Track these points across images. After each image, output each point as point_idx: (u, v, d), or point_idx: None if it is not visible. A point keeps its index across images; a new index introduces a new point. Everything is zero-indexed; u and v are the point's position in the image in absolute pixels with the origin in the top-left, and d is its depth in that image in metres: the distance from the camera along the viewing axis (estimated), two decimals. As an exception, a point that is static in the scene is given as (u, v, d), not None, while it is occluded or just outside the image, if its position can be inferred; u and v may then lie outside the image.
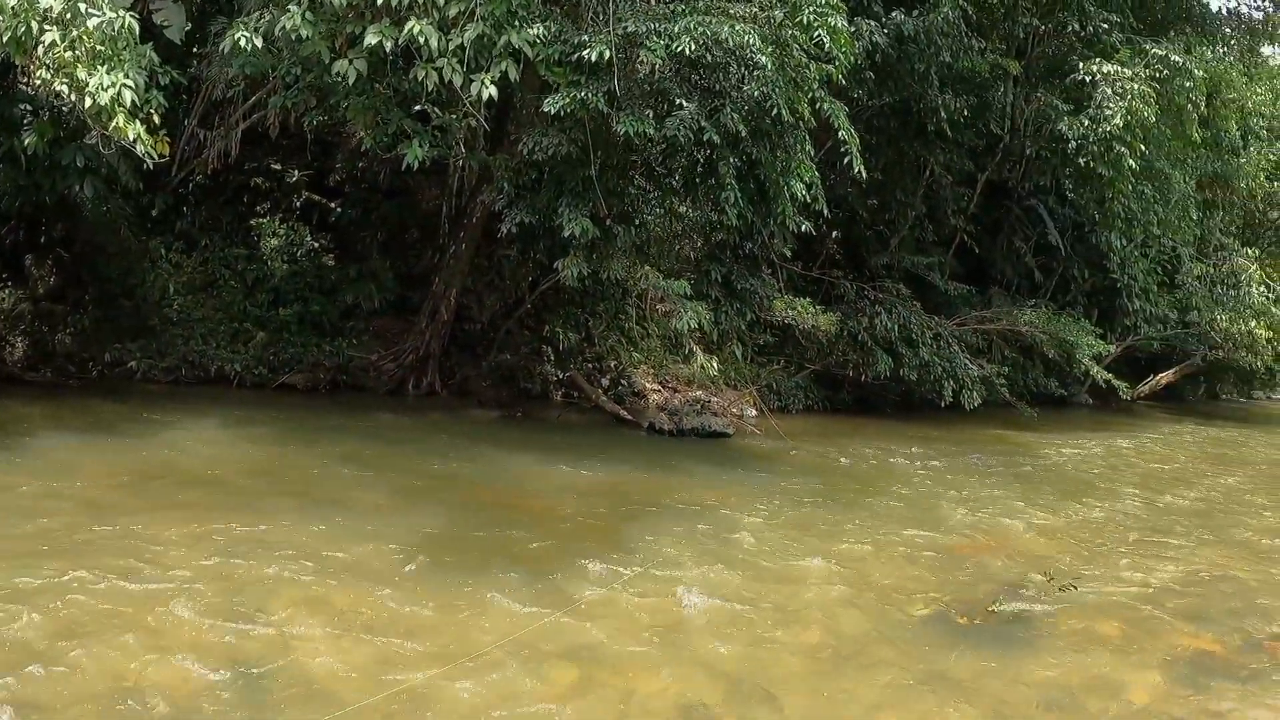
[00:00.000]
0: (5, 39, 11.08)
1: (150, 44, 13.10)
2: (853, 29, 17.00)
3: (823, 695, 7.55)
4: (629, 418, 18.73)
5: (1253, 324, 36.88)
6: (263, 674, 6.77)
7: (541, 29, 13.01)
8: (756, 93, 14.45)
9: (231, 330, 17.73)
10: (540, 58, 13.21)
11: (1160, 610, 10.70)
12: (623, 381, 19.86)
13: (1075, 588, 11.01)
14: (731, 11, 14.06)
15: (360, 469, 12.96)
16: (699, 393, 20.25)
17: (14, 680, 6.35)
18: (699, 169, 16.42)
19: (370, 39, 12.40)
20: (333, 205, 20.07)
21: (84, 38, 11.30)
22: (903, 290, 25.65)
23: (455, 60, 12.60)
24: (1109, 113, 23.09)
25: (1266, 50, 45.75)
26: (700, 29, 13.34)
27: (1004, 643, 9.14)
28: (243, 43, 12.87)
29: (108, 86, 11.29)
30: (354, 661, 7.12)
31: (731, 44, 13.50)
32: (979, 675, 8.25)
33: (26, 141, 13.67)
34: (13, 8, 10.97)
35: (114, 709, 6.19)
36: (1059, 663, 8.78)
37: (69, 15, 11.21)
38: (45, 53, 11.24)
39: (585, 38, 13.26)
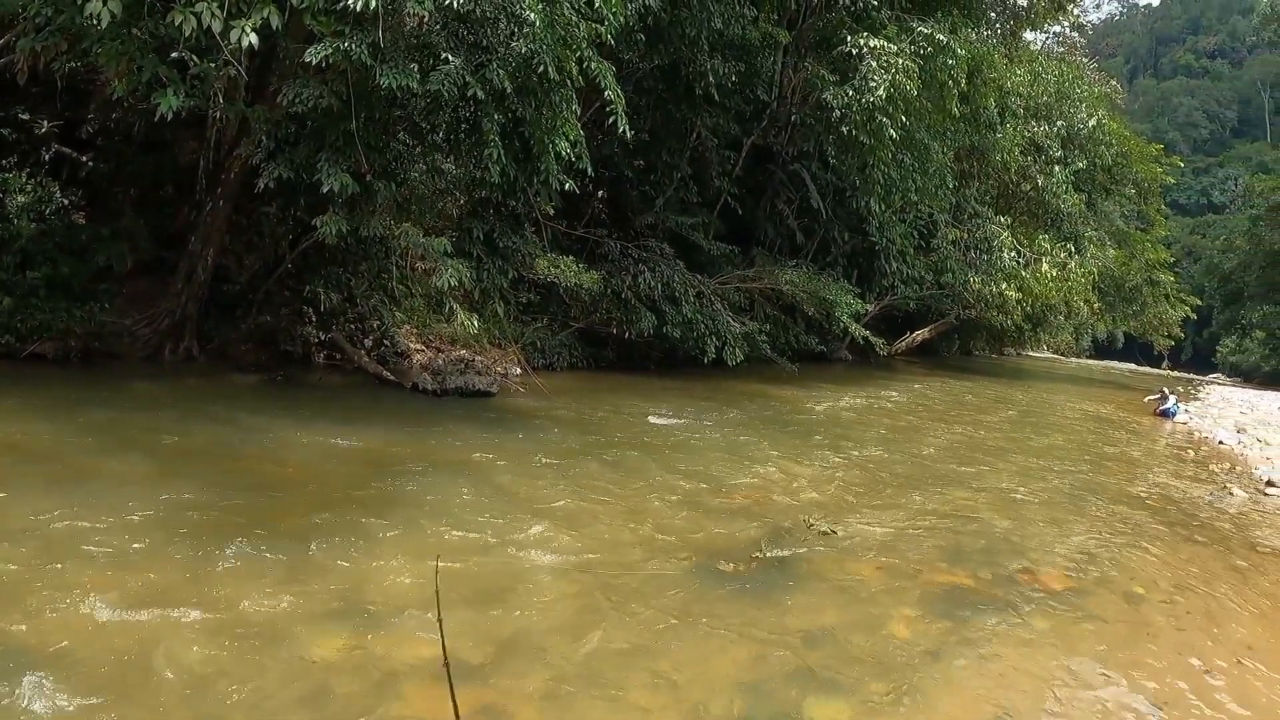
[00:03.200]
0: None
1: None
2: (626, -10, 17.09)
3: (588, 646, 7.64)
4: (392, 379, 18.46)
5: (1004, 286, 38.81)
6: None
7: (307, -24, 12.66)
8: (524, 49, 14.33)
9: None
10: (305, 5, 12.79)
11: (916, 551, 11.29)
12: (386, 342, 19.48)
13: (835, 533, 11.47)
14: (503, -35, 13.95)
15: (110, 440, 12.20)
16: (463, 352, 20.12)
17: None
18: (463, 125, 16.25)
19: (126, -21, 11.84)
20: (84, 159, 19.00)
21: None
22: (667, 249, 26.04)
23: (215, 5, 12.13)
24: (873, 84, 23.93)
25: (1028, 35, 48.11)
26: (470, -19, 13.17)
27: (768, 587, 9.41)
28: (-10, -20, 12.14)
29: None
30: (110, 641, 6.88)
31: (501, -1, 13.37)
32: (744, 619, 8.48)
33: None
34: None
35: None
36: (822, 603, 9.13)
37: None
38: None
39: (352, -15, 12.92)
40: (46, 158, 18.55)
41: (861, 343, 30.99)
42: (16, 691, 6.06)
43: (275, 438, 13.35)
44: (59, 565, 7.95)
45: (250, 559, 8.59)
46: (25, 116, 18.36)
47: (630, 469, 13.85)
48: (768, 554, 10.47)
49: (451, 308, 17.21)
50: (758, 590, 9.28)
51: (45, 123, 18.50)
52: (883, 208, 33.68)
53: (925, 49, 24.95)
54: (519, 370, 20.84)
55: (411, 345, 19.89)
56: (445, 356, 19.80)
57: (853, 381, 29.91)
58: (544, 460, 13.78)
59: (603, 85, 15.73)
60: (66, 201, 18.04)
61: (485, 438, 14.90)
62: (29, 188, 17.66)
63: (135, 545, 8.64)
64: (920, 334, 44.21)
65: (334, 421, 14.45)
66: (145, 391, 15.31)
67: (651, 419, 18.05)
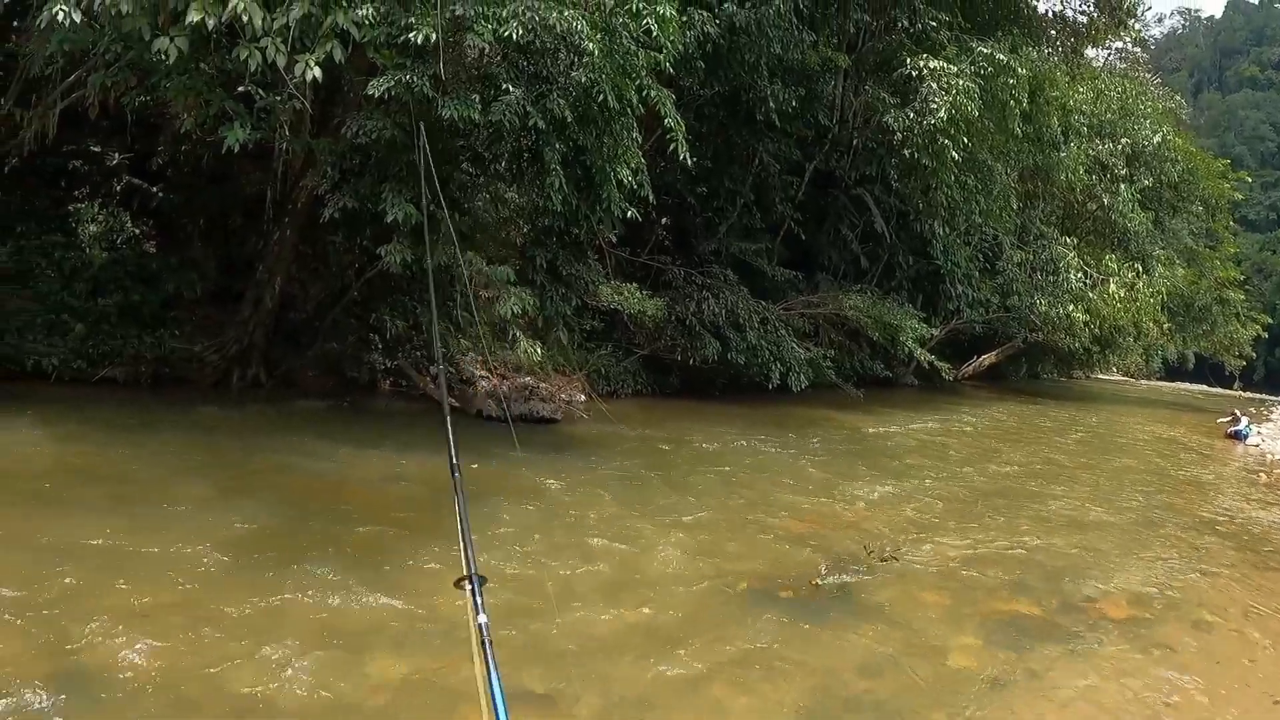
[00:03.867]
0: None
1: None
2: (684, 18, 17.17)
3: (647, 671, 7.65)
4: (456, 405, 18.51)
5: (1070, 308, 38.29)
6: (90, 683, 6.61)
7: (370, 10, 12.75)
8: (584, 79, 14.45)
9: (48, 322, 16.62)
10: (367, 39, 12.99)
11: (979, 578, 11.14)
12: (450, 369, 19.68)
13: (896, 559, 11.38)
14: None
15: (180, 464, 12.48)
16: (527, 379, 20.19)
17: None
18: (525, 155, 16.38)
19: (193, 15, 11.97)
20: (154, 190, 19.38)
21: None
22: (730, 276, 26.04)
23: (280, 40, 12.29)
24: (934, 106, 23.80)
25: (1090, 53, 47.61)
26: (528, 14, 13.25)
27: (827, 613, 9.37)
28: (61, 17, 12.33)
29: None
30: (174, 661, 6.96)
31: (560, 30, 13.46)
32: (802, 646, 8.44)
33: None
34: None
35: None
36: (880, 631, 9.06)
37: None
38: None
39: (413, 20, 13.05)
40: (118, 189, 18.99)
41: (927, 367, 30.74)
42: (76, 708, 6.18)
43: (340, 462, 13.54)
44: (122, 583, 8.11)
45: (312, 581, 8.70)
46: (97, 149, 18.81)
47: (692, 494, 13.86)
48: (828, 580, 10.43)
49: (515, 335, 17.28)
50: (816, 617, 9.25)
51: (116, 155, 18.93)
52: (947, 231, 33.52)
53: (985, 69, 24.81)
54: (583, 397, 20.89)
55: (476, 372, 20.02)
56: (510, 383, 19.89)
57: (918, 406, 29.69)
58: (605, 485, 13.83)
59: (663, 113, 15.81)
60: (137, 231, 18.50)
61: (547, 463, 14.95)
62: (101, 218, 18.15)
63: (200, 565, 8.81)
64: (986, 358, 43.72)
65: (398, 447, 14.58)
66: (213, 416, 15.59)
67: (708, 446, 18.04)
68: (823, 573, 10.65)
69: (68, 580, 8.12)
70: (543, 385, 20.12)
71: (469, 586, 3.99)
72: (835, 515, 13.59)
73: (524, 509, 12.00)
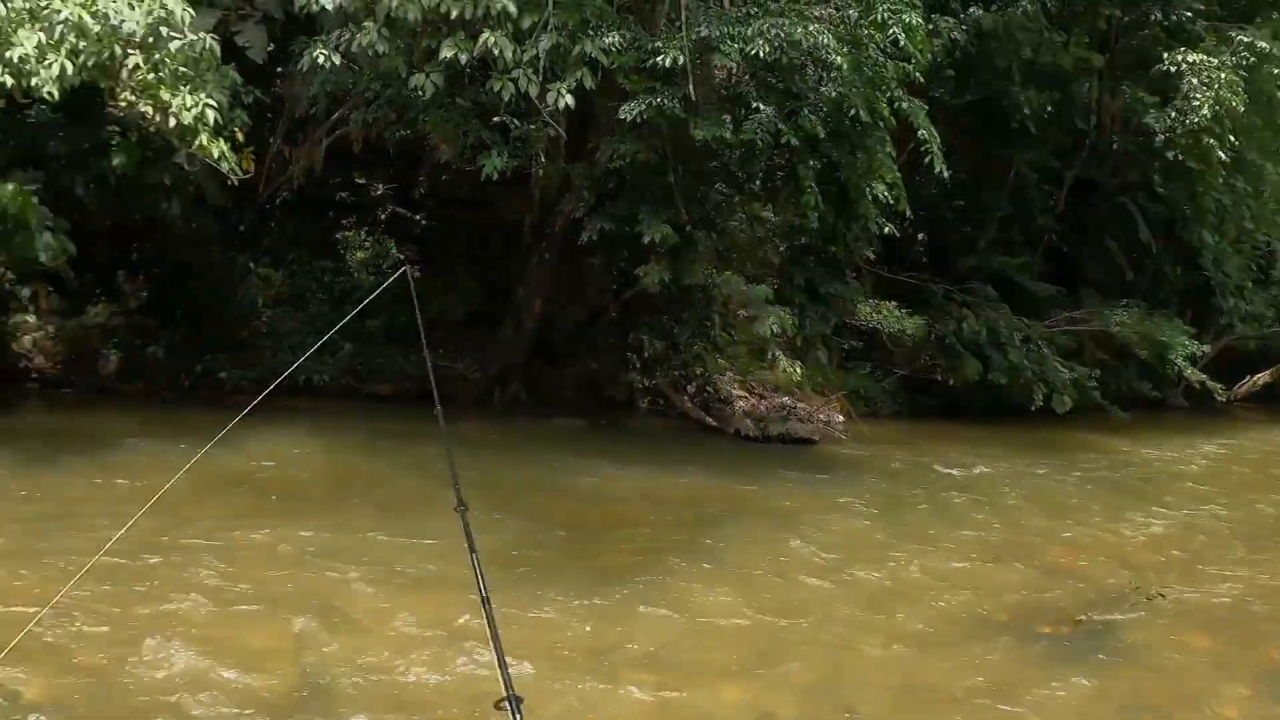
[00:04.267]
0: (90, 64, 11.42)
1: (233, 64, 13.72)
2: (930, 26, 16.85)
3: (901, 704, 7.51)
4: (714, 424, 18.62)
5: (1359, 321, 35.79)
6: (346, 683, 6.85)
7: (617, 37, 12.98)
8: (834, 94, 14.35)
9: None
10: (616, 65, 13.20)
11: (1253, 621, 10.40)
12: (708, 388, 19.74)
13: (1164, 597, 10.70)
14: (806, 12, 13.96)
15: (438, 474, 12.84)
16: (785, 399, 20.07)
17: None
18: (779, 173, 16.39)
19: (446, 52, 12.47)
20: (417, 218, 20.30)
21: (166, 60, 11.79)
22: (990, 292, 25.23)
23: (531, 70, 12.64)
24: (1196, 103, 22.54)
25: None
26: (774, 31, 13.20)
27: (1088, 653, 8.96)
28: (321, 60, 13.06)
29: (190, 106, 11.77)
30: (437, 673, 7.17)
31: (806, 45, 13.35)
32: (1060, 686, 8.07)
33: (115, 162, 14.04)
34: (96, 33, 11.30)
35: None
36: (1143, 674, 8.61)
37: (151, 39, 11.60)
38: (129, 76, 11.72)
39: (659, 44, 13.20)
40: (382, 218, 20.07)
41: (1198, 388, 29.19)
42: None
43: (596, 479, 13.76)
44: (371, 589, 8.50)
45: (563, 597, 8.85)
46: (362, 181, 19.93)
47: (949, 521, 13.47)
48: (1090, 617, 9.94)
49: (774, 354, 17.21)
50: (1076, 656, 8.84)
51: (380, 186, 19.98)
52: (1216, 239, 31.93)
53: (1248, 59, 23.45)
54: (841, 417, 20.62)
55: (734, 392, 20.05)
56: (767, 403, 19.85)
57: (1189, 430, 28.12)
58: (861, 510, 13.61)
59: (916, 124, 15.51)
60: (402, 256, 19.35)
61: (805, 485, 14.84)
62: (367, 245, 19.37)
63: (450, 573, 9.00)
64: (1262, 377, 41.09)
65: (654, 466, 14.72)
66: (474, 432, 16.05)
67: (969, 470, 17.55)
68: (1086, 609, 10.16)
69: (330, 574, 8.54)
70: (801, 405, 19.97)
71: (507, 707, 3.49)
72: (1102, 547, 12.95)
73: (778, 531, 11.89)
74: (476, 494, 11.85)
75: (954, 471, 17.11)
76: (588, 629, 8.23)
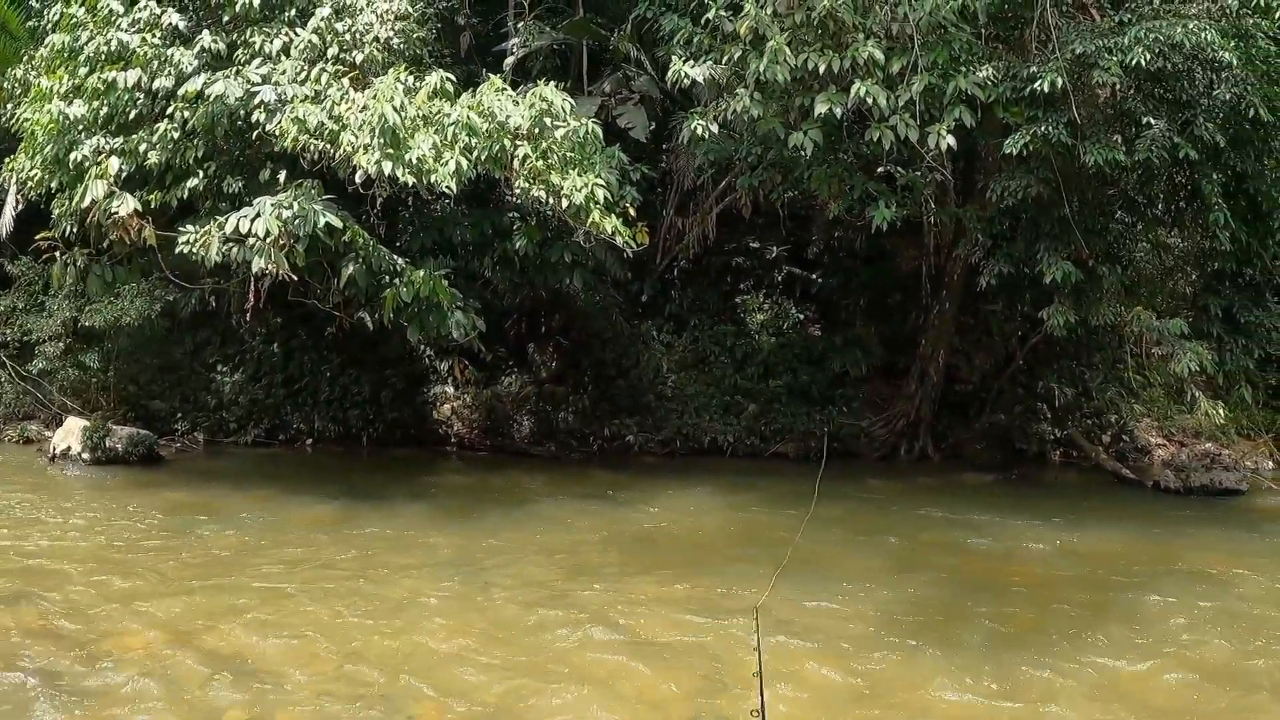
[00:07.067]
0: (484, 157, 12.55)
1: (617, 145, 14.62)
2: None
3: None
4: (1131, 476, 17.50)
5: None
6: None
7: (989, 70, 12.60)
8: (1228, 95, 13.41)
9: (723, 403, 18.45)
10: (993, 99, 12.79)
11: None
12: (1124, 436, 18.69)
13: None
14: (1181, 10, 13.17)
15: (847, 534, 12.99)
16: (1207, 445, 18.69)
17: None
18: (1181, 193, 15.55)
19: (820, 108, 12.46)
20: (813, 276, 20.43)
21: (553, 148, 12.68)
22: None
23: (908, 115, 12.42)
24: None
25: None
26: (1151, 35, 12.42)
27: None
28: (700, 131, 13.38)
29: (580, 187, 12.54)
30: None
31: (1189, 46, 12.46)
32: None
33: (517, 244, 15.64)
34: (486, 130, 12.46)
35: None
36: None
37: (537, 130, 12.65)
38: (521, 165, 12.60)
39: (1033, 69, 12.76)
40: (779, 279, 20.49)
41: None
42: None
43: (1006, 537, 13.21)
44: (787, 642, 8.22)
45: (961, 661, 8.52)
46: (756, 245, 20.44)
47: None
48: None
49: (1193, 395, 15.95)
50: None
51: (774, 248, 20.39)
52: None
53: None
54: (1270, 464, 18.83)
55: (1151, 439, 18.88)
56: (1188, 451, 18.56)
57: None
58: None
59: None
60: (801, 316, 19.99)
61: (1232, 543, 13.51)
62: (766, 306, 19.94)
63: (850, 628, 9.15)
64: None
65: (1068, 523, 13.93)
66: (881, 489, 16.10)
67: None
68: None
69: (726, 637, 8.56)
70: (1225, 452, 18.50)
71: None
72: None
73: (1199, 596, 10.77)
74: (879, 552, 11.85)
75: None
76: (969, 695, 7.88)
